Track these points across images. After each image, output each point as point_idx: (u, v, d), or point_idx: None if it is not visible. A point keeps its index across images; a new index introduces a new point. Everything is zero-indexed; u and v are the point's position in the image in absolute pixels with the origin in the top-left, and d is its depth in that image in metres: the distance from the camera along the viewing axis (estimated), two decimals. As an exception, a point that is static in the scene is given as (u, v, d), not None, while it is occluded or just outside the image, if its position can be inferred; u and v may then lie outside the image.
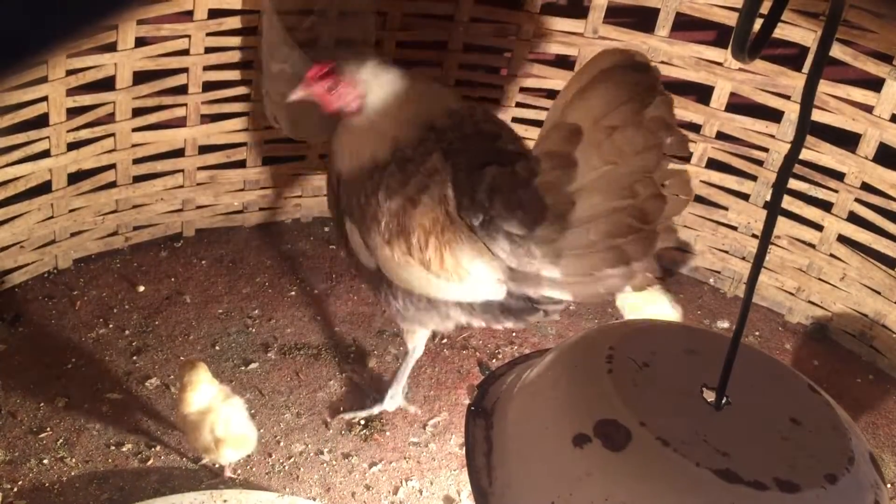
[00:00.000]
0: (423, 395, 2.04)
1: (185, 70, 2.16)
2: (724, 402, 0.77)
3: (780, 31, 2.10)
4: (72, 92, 2.02)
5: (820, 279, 2.31)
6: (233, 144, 2.34)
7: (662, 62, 2.27)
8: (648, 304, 2.10)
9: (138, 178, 2.25)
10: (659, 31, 2.26)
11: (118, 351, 2.04)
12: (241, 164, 2.38)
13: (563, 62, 2.40)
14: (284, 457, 1.86)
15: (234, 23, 2.15)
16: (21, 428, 1.83)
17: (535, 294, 1.64)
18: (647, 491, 0.70)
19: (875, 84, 2.09)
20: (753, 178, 2.32)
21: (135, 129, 2.17)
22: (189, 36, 2.10)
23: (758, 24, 0.73)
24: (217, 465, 1.79)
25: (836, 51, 2.08)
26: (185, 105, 2.20)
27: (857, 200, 2.19)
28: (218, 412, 1.70)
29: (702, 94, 2.30)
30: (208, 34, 2.13)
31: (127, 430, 1.86)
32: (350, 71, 1.68)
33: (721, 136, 2.31)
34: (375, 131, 1.69)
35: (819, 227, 2.26)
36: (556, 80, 2.37)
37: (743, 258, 2.40)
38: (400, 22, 2.28)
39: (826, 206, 2.24)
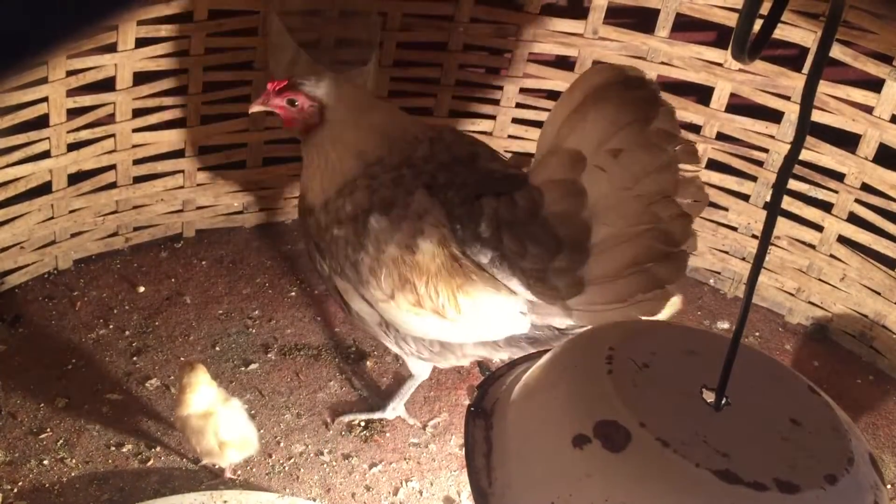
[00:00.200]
0: (424, 395, 2.04)
1: (185, 71, 2.16)
2: (723, 402, 0.77)
3: (780, 32, 2.10)
4: (72, 93, 2.02)
5: (820, 280, 2.31)
6: (233, 145, 2.34)
7: (662, 63, 2.27)
8: None
9: (138, 179, 2.25)
10: (659, 32, 2.26)
11: (118, 351, 2.04)
12: (241, 164, 2.38)
13: (563, 63, 2.40)
14: (284, 457, 1.86)
15: (234, 24, 2.15)
16: (21, 429, 1.83)
17: (562, 324, 1.57)
18: (646, 492, 0.70)
19: (875, 85, 2.09)
20: (753, 178, 2.32)
21: (135, 130, 2.17)
22: (189, 37, 2.11)
23: (758, 24, 0.73)
24: (217, 467, 1.79)
25: (836, 51, 2.08)
26: (186, 106, 2.21)
27: (857, 201, 2.19)
28: (220, 415, 1.70)
29: (702, 94, 2.30)
30: (208, 35, 2.13)
31: (127, 430, 1.86)
32: (309, 84, 1.63)
33: (721, 136, 2.31)
34: (341, 143, 1.63)
35: (819, 228, 2.26)
36: (556, 80, 2.37)
37: (743, 259, 2.40)
38: (400, 22, 2.28)
39: (826, 207, 2.24)
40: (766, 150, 2.27)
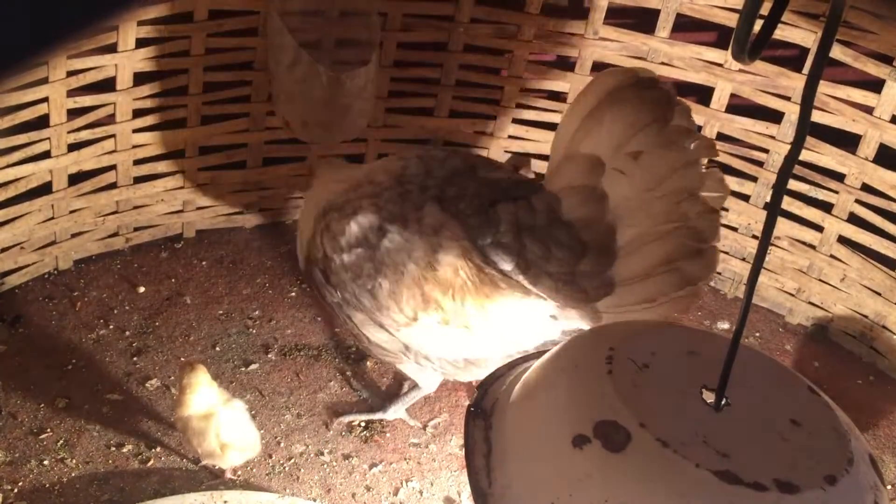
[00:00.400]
0: (424, 396, 2.04)
1: (185, 71, 2.16)
2: (723, 403, 0.77)
3: (781, 33, 2.10)
4: (72, 93, 2.02)
5: (820, 280, 2.31)
6: (233, 145, 2.34)
7: (663, 63, 2.27)
8: None
9: (139, 179, 2.25)
10: (659, 33, 2.26)
11: (118, 352, 2.04)
12: (241, 165, 2.38)
13: (564, 63, 2.40)
14: (285, 458, 1.86)
15: (234, 24, 2.15)
16: (21, 429, 1.83)
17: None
18: (646, 492, 0.70)
19: (875, 85, 2.09)
20: (754, 179, 2.32)
21: (135, 130, 2.17)
22: (189, 37, 2.11)
23: (758, 25, 0.73)
24: (217, 467, 1.79)
25: (837, 52, 2.08)
26: (186, 106, 2.21)
27: (858, 201, 2.19)
28: (222, 416, 1.70)
29: (702, 95, 2.30)
30: (208, 35, 2.13)
31: (127, 431, 1.86)
32: None
33: (721, 137, 2.31)
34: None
35: (819, 228, 2.26)
36: (557, 81, 2.37)
37: (743, 259, 2.40)
38: (400, 22, 2.28)
39: (826, 207, 2.24)
40: (766, 151, 2.27)
